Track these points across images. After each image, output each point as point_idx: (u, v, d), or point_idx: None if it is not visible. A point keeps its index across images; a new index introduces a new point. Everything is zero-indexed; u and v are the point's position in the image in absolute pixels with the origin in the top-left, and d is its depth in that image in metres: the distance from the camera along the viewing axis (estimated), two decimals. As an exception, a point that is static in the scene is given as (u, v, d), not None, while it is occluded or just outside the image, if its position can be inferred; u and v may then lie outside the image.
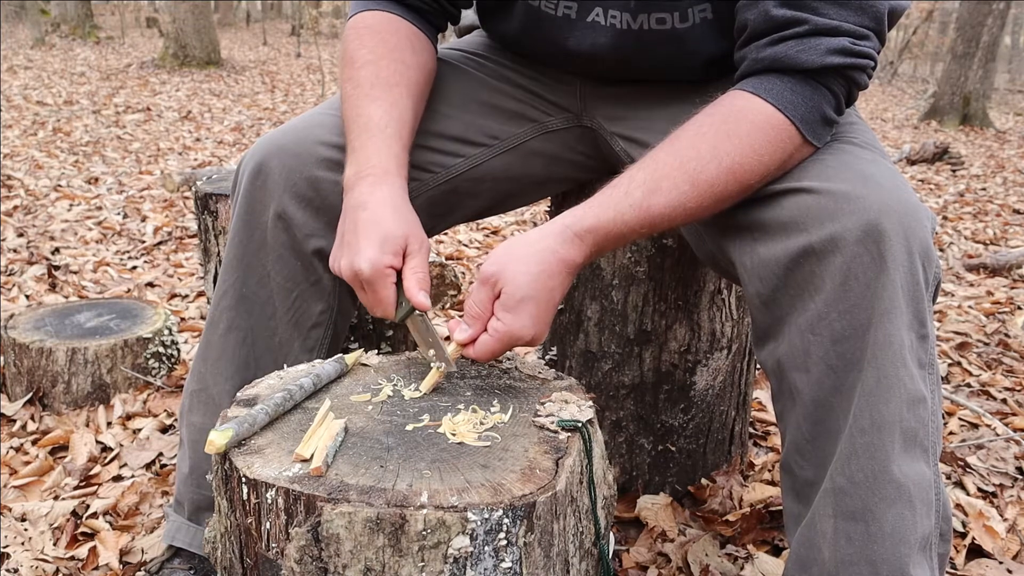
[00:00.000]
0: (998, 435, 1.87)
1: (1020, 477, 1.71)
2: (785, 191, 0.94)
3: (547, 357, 1.56)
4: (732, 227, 1.00)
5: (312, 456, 0.77)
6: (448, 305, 2.78)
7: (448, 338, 0.97)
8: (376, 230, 0.96)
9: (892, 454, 0.86)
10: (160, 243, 3.49)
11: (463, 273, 3.01)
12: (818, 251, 0.88)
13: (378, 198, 0.99)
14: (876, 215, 0.86)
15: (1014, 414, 2.00)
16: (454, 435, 0.83)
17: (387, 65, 1.10)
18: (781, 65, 0.94)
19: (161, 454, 1.74)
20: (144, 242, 3.49)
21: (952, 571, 1.40)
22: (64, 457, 1.75)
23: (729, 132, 0.94)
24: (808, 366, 0.90)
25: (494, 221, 3.96)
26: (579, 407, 0.89)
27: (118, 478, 1.67)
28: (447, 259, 3.07)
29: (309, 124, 1.15)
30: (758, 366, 2.19)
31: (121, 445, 1.78)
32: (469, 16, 1.37)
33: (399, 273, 0.97)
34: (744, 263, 0.97)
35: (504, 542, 0.72)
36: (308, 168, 1.10)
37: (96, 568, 1.40)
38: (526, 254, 0.92)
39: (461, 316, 0.96)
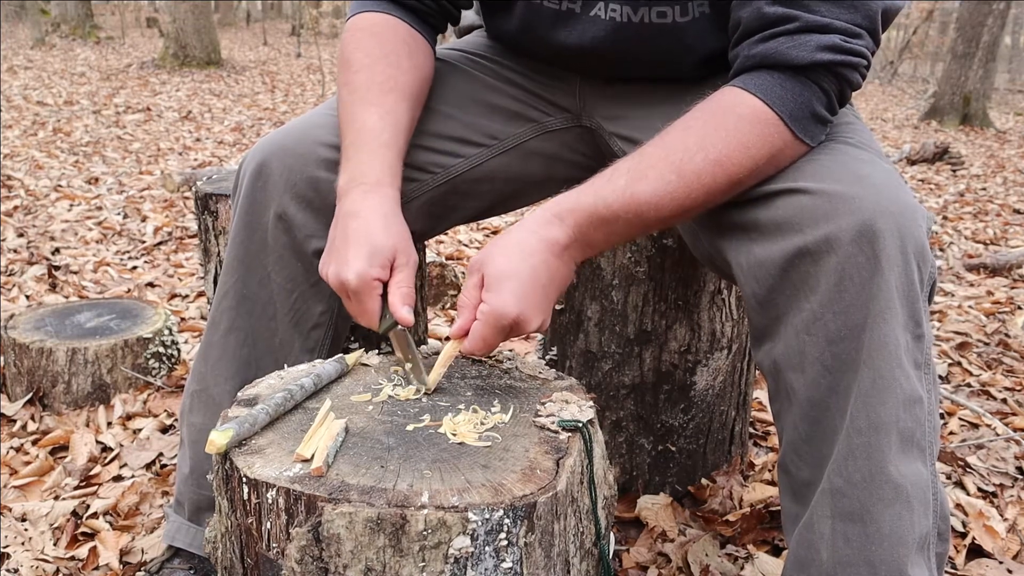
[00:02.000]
0: (998, 435, 1.87)
1: (1020, 477, 1.71)
2: (780, 191, 0.94)
3: (547, 357, 1.56)
4: (728, 227, 1.00)
5: (313, 456, 0.77)
6: (448, 305, 2.78)
7: (448, 338, 0.97)
8: (365, 241, 0.96)
9: (889, 455, 0.86)
10: (160, 243, 3.49)
11: (463, 273, 3.01)
12: (813, 252, 0.88)
13: (369, 207, 0.99)
14: (870, 215, 0.86)
15: (1014, 414, 2.01)
16: (455, 435, 0.83)
17: (383, 70, 1.10)
18: (771, 61, 0.95)
19: (161, 454, 1.74)
20: (144, 242, 3.49)
21: (952, 571, 1.40)
22: (64, 457, 1.75)
23: (716, 125, 0.94)
24: (804, 367, 0.90)
25: (494, 221, 3.96)
26: (580, 407, 0.89)
27: (118, 478, 1.67)
28: (447, 259, 3.07)
29: (310, 124, 1.15)
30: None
31: (121, 445, 1.78)
32: (469, 16, 1.37)
33: (386, 286, 0.97)
34: (740, 263, 0.97)
35: (505, 542, 0.72)
36: (309, 169, 1.10)
37: (96, 568, 1.40)
38: (506, 240, 0.94)
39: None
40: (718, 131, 0.93)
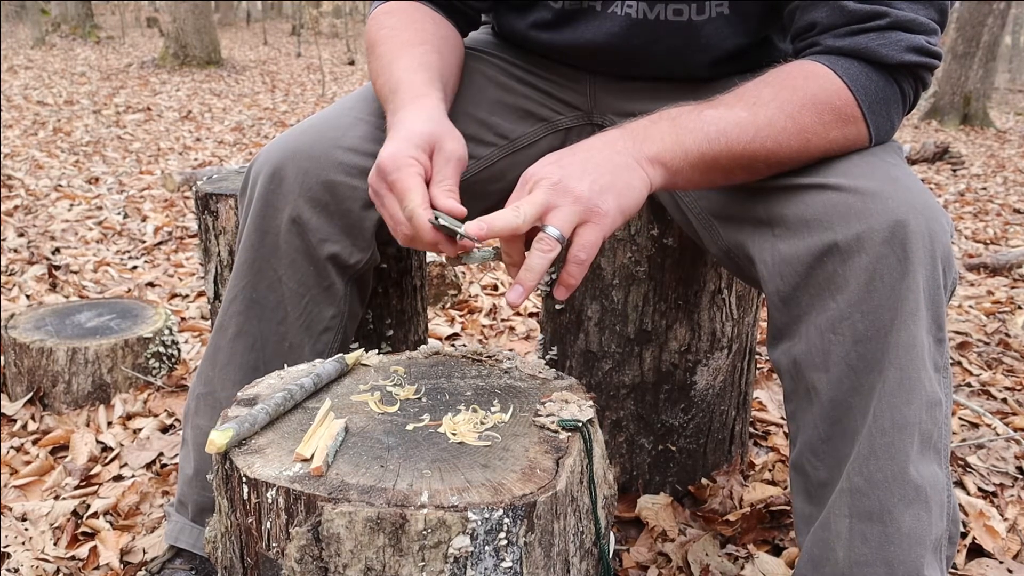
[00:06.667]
0: (998, 435, 1.87)
1: (1020, 477, 1.71)
2: (809, 186, 0.93)
3: (547, 357, 1.56)
4: (751, 221, 0.99)
5: (313, 456, 0.77)
6: (448, 305, 2.78)
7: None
8: (402, 129, 0.94)
9: (911, 455, 0.85)
10: (160, 243, 3.49)
11: (463, 273, 3.01)
12: (843, 250, 0.87)
13: (410, 110, 0.98)
14: (904, 216, 0.85)
15: (1014, 414, 2.00)
16: (454, 435, 0.83)
17: (410, 34, 1.11)
18: (861, 55, 0.94)
19: (162, 454, 1.74)
20: (144, 242, 3.49)
21: (952, 571, 1.40)
22: (64, 457, 1.75)
23: (794, 87, 0.93)
24: (828, 366, 0.89)
25: (494, 221, 3.95)
26: (579, 407, 0.89)
27: (118, 478, 1.68)
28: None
29: (326, 126, 1.13)
30: (759, 366, 2.19)
31: (121, 445, 1.78)
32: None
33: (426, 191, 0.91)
34: (765, 260, 0.96)
35: (504, 542, 0.72)
36: (325, 172, 1.08)
37: (97, 568, 1.40)
38: None
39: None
40: (795, 91, 0.93)
